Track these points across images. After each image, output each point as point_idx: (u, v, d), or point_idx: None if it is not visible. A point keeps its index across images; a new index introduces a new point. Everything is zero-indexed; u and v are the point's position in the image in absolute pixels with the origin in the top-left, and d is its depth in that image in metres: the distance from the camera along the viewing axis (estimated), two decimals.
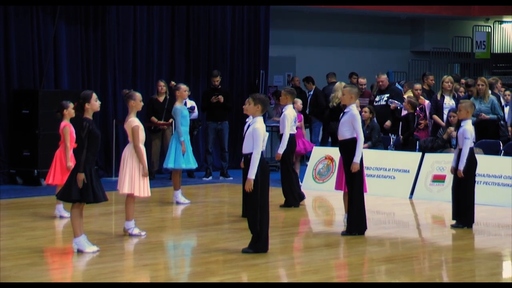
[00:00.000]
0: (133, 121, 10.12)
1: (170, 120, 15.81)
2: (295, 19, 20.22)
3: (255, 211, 9.05)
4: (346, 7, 19.28)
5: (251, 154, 9.08)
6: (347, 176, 10.30)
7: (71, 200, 9.12)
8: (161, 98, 16.02)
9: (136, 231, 10.23)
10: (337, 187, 10.94)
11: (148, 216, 12.01)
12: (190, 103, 16.55)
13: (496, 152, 14.02)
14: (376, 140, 14.77)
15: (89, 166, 9.03)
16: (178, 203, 12.90)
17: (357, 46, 21.23)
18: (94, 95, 9.30)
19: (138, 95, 10.29)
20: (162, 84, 16.01)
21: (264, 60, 18.37)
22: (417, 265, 9.30)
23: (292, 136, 12.57)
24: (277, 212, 12.21)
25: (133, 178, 10.05)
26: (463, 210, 10.89)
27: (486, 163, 13.09)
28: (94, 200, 9.09)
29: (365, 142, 14.23)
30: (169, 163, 12.92)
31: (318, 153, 14.59)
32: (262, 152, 9.18)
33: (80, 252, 9.03)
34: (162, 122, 15.94)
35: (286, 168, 12.63)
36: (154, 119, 15.93)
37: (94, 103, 9.26)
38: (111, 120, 16.24)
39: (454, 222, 11.01)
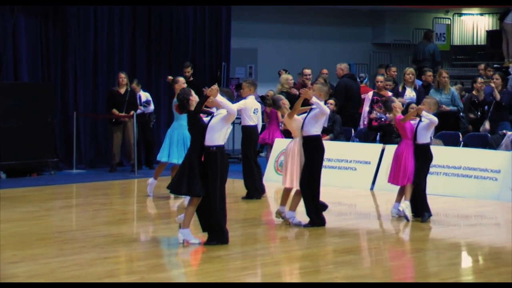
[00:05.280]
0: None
1: (131, 112, 15.74)
2: (256, 11, 20.21)
3: (216, 203, 9.06)
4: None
5: (213, 147, 9.09)
6: (306, 171, 10.30)
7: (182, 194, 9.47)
8: (122, 90, 15.93)
9: (296, 220, 10.45)
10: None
11: (110, 208, 11.96)
12: (145, 96, 16.49)
13: (456, 144, 14.17)
14: (338, 133, 14.84)
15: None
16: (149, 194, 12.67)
17: (318, 38, 21.28)
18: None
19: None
20: (123, 76, 15.91)
21: (226, 52, 18.35)
22: (378, 255, 9.38)
23: (253, 128, 12.57)
24: (239, 204, 12.23)
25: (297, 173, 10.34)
26: (419, 201, 10.94)
27: (446, 155, 13.23)
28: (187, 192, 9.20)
29: (327, 134, 14.39)
30: (163, 157, 12.63)
31: (280, 145, 14.60)
32: (223, 145, 9.20)
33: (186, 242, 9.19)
34: (123, 114, 15.85)
35: (247, 160, 12.64)
36: (115, 111, 15.83)
37: None
38: (72, 113, 16.12)
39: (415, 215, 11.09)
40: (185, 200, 11.12)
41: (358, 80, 16.93)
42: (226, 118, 9.15)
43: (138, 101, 16.15)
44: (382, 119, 14.55)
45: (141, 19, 17.18)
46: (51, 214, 11.71)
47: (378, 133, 14.86)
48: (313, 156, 10.30)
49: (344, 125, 15.14)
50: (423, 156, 10.91)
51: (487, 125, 14.61)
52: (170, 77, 14.46)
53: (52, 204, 12.60)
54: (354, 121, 15.73)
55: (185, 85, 13.07)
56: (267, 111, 14.49)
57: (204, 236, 9.28)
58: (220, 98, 9.11)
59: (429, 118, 10.83)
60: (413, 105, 11.46)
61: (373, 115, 14.70)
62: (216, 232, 9.19)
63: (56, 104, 15.94)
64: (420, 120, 10.96)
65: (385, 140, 14.27)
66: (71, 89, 16.34)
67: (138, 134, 15.91)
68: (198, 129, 9.17)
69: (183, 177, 9.11)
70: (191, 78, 16.20)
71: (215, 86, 9.15)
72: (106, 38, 16.76)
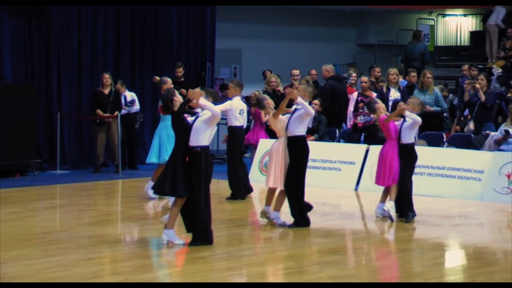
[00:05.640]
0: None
1: (116, 113, 15.71)
2: (240, 11, 20.22)
3: (200, 203, 9.05)
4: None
5: (197, 147, 9.08)
6: (291, 171, 10.30)
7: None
8: (106, 91, 15.90)
9: (281, 221, 10.42)
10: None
11: (94, 209, 11.94)
12: (130, 95, 16.45)
13: (440, 144, 14.23)
14: (323, 133, 14.88)
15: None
16: (150, 197, 12.55)
17: (302, 39, 21.32)
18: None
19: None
20: (107, 77, 15.88)
21: (211, 52, 18.35)
22: (363, 256, 9.40)
23: (239, 129, 12.57)
24: (224, 204, 12.23)
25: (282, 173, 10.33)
26: (403, 201, 10.97)
27: (429, 155, 13.28)
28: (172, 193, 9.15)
29: (312, 135, 14.42)
30: (152, 158, 12.52)
31: (265, 145, 14.61)
32: (208, 145, 9.19)
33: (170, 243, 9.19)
34: (107, 115, 15.81)
35: (232, 161, 12.64)
36: (99, 112, 15.80)
37: None
38: (56, 113, 16.07)
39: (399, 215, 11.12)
40: (169, 200, 11.10)
41: (344, 81, 16.96)
42: (209, 120, 9.14)
43: (124, 101, 16.13)
44: (367, 122, 14.60)
45: (125, 19, 17.15)
46: (35, 215, 11.67)
47: (363, 134, 14.90)
48: (297, 156, 10.32)
49: (330, 126, 15.18)
50: (407, 156, 10.94)
51: (471, 125, 14.67)
52: (157, 78, 14.44)
53: (36, 205, 12.55)
54: (340, 122, 15.77)
55: (172, 86, 13.06)
56: (251, 111, 14.50)
57: (189, 237, 9.27)
58: (203, 101, 9.09)
59: (412, 118, 10.86)
60: (401, 103, 11.48)
61: (358, 120, 14.72)
62: (200, 232, 9.19)
63: (39, 104, 15.88)
64: (404, 120, 10.98)
65: (369, 141, 14.31)
66: (55, 89, 16.29)
67: (122, 135, 15.88)
68: (182, 129, 9.16)
69: (167, 177, 9.10)
70: (182, 79, 16.20)
71: (198, 89, 9.15)
72: (90, 38, 16.72)
